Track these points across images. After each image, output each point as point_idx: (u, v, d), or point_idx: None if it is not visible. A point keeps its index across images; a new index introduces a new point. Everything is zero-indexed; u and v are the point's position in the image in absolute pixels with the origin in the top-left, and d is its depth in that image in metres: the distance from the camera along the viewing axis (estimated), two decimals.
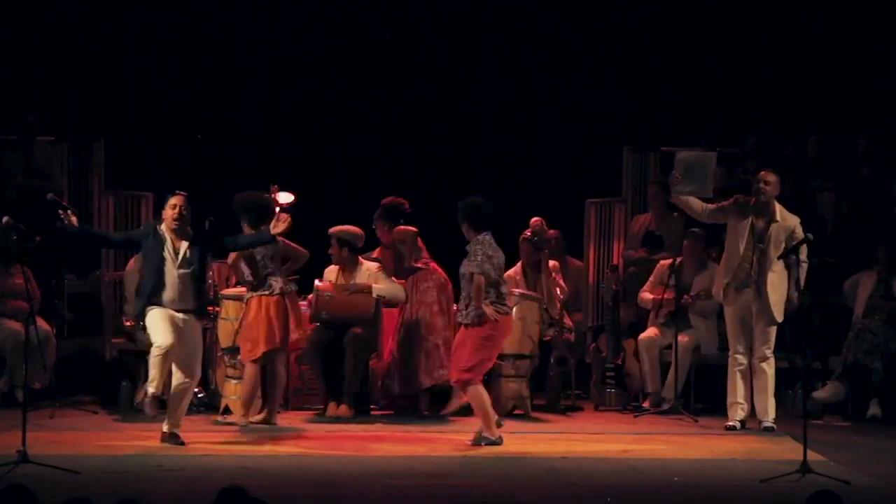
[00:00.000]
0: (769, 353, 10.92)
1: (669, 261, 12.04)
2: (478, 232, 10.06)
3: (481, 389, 10.11)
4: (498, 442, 9.99)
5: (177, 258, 9.88)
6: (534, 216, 12.00)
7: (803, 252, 10.37)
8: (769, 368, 10.93)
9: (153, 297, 9.84)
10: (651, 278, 12.22)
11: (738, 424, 10.92)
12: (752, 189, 11.01)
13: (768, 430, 10.82)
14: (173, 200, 9.97)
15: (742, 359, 10.95)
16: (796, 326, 11.17)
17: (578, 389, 12.39)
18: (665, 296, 11.86)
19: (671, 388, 11.75)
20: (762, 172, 11.06)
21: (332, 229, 11.52)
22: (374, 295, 11.35)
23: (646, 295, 12.17)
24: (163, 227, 9.95)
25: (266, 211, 10.77)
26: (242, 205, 10.99)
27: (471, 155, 13.98)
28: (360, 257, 11.59)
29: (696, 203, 10.99)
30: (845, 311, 12.20)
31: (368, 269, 11.48)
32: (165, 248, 9.90)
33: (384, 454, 9.80)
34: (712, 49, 14.32)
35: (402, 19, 14.30)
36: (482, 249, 9.99)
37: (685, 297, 11.88)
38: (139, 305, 10.03)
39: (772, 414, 10.91)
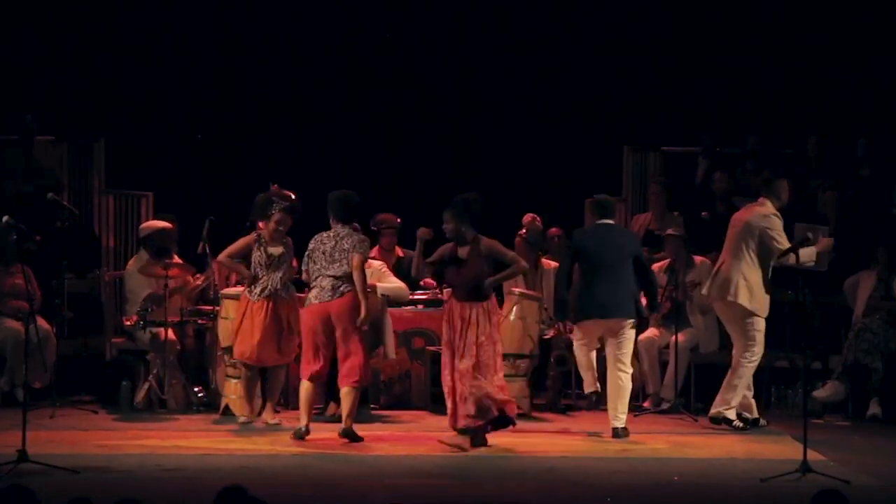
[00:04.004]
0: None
1: (661, 263, 12.07)
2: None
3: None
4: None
5: None
6: (526, 214, 12.02)
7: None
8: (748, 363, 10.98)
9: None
10: None
11: (743, 424, 10.90)
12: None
13: (756, 423, 10.83)
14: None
15: None
16: (796, 326, 11.17)
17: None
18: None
19: (670, 387, 11.75)
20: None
21: None
22: (379, 294, 11.34)
23: (643, 300, 12.16)
24: None
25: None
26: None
27: (471, 154, 13.97)
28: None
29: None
30: (845, 310, 12.20)
31: (372, 267, 11.46)
32: None
33: (384, 454, 9.80)
34: (713, 49, 14.32)
35: (403, 19, 14.31)
36: None
37: (671, 289, 11.82)
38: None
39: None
